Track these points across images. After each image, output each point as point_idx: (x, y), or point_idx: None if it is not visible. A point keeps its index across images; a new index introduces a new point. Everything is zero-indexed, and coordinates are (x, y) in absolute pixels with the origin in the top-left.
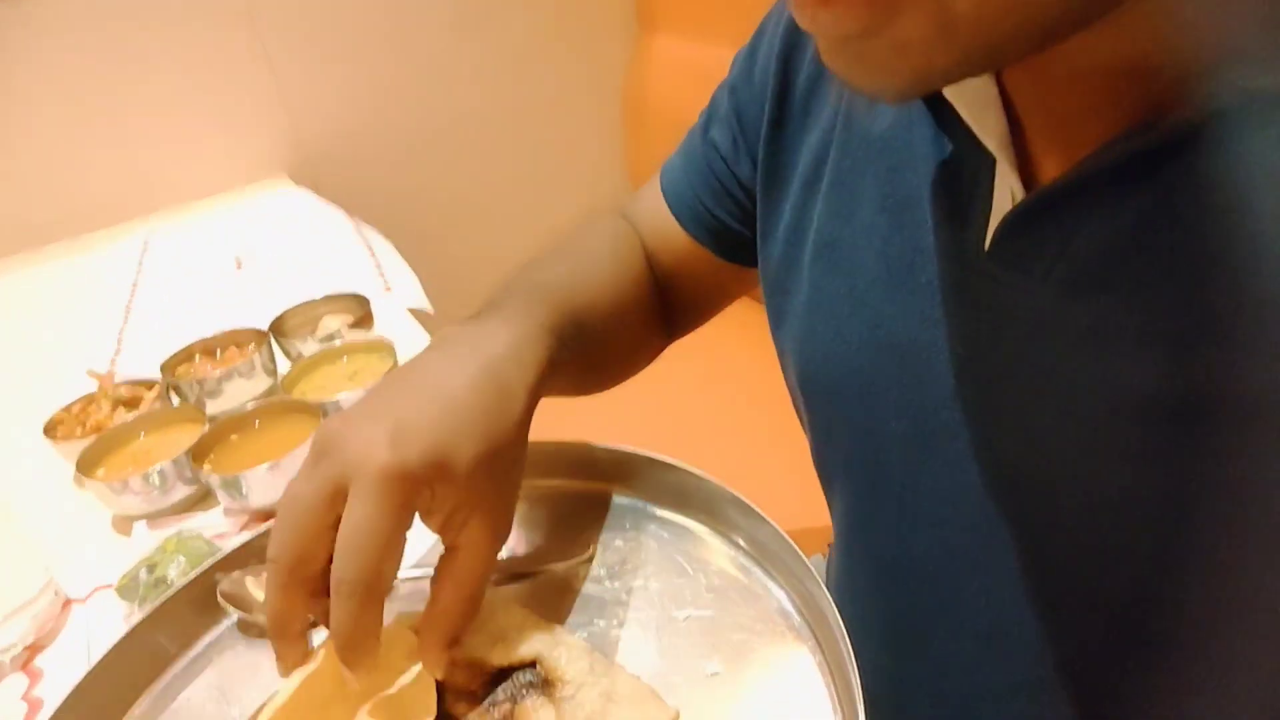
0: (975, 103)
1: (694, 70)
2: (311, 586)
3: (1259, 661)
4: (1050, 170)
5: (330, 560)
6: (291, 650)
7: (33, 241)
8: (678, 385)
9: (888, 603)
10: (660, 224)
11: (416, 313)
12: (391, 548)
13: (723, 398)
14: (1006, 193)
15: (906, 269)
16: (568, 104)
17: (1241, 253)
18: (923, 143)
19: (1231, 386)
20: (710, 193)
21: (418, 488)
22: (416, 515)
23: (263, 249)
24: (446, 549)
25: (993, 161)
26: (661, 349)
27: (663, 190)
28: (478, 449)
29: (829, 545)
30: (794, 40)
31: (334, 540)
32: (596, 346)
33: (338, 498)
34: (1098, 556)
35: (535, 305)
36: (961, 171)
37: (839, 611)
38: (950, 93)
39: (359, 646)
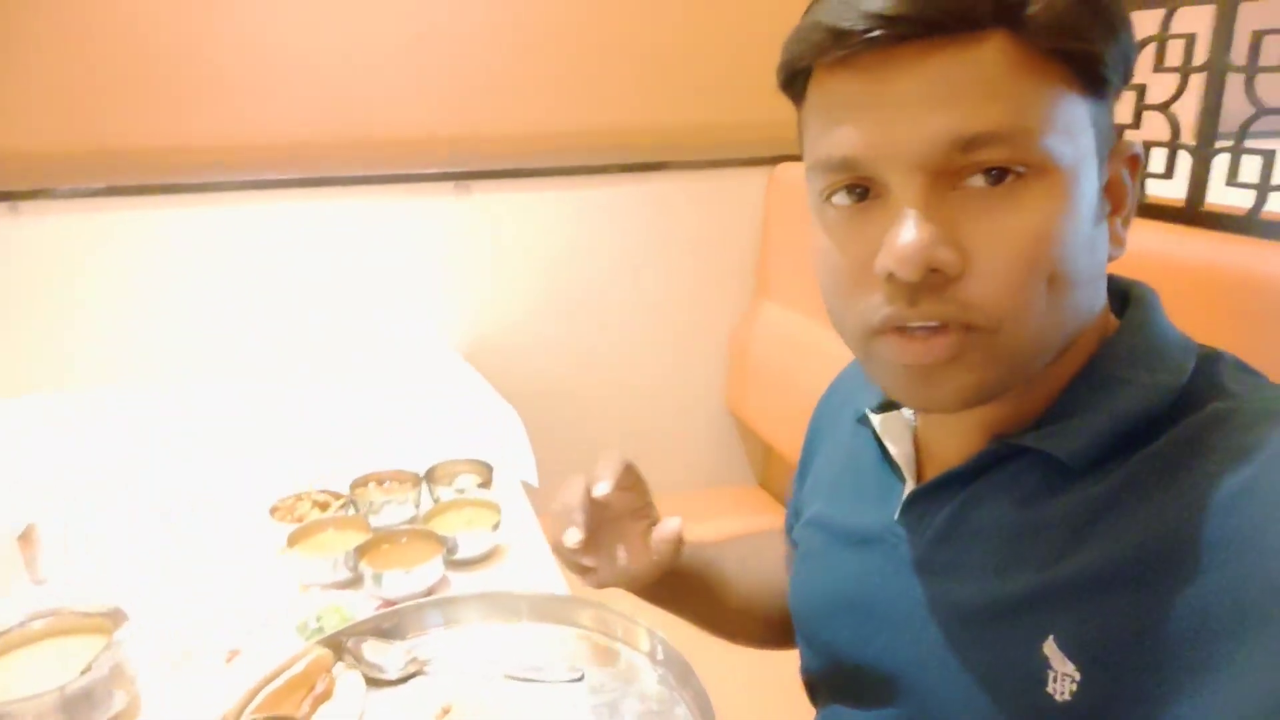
0: (899, 440)
1: (790, 334)
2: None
3: None
4: (931, 473)
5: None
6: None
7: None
8: None
9: None
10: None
11: (525, 485)
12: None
13: None
14: (909, 487)
15: (852, 535)
16: (687, 341)
17: (999, 530)
18: (870, 457)
19: (1008, 599)
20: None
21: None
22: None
23: (427, 405)
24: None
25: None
26: (787, 643)
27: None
28: None
29: None
30: (816, 434)
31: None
32: (728, 585)
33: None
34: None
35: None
36: (890, 473)
37: None
38: (885, 437)
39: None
